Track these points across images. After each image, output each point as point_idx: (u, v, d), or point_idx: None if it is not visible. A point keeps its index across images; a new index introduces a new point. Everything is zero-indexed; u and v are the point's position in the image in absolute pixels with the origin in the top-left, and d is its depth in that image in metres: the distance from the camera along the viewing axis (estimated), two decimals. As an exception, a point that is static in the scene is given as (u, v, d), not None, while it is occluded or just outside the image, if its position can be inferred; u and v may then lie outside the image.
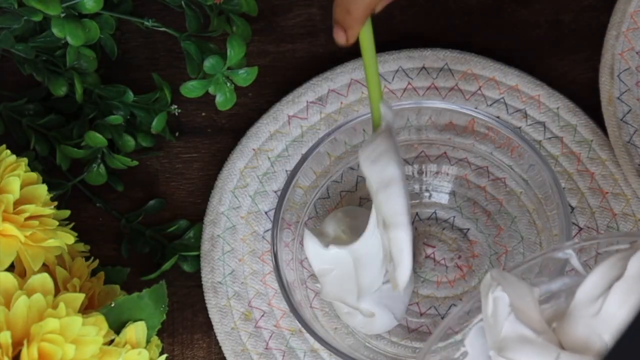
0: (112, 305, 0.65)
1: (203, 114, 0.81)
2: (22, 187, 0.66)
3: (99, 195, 0.78)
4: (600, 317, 0.58)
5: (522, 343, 0.57)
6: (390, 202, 0.66)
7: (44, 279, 0.63)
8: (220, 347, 0.74)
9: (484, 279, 0.58)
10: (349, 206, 0.76)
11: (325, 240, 0.72)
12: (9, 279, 0.63)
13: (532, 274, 0.65)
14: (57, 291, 0.65)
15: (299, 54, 0.82)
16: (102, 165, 0.77)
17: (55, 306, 0.62)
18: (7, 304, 0.62)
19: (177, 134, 0.80)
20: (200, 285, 0.76)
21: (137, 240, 0.77)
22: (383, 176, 0.67)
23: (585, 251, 0.75)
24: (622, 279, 0.57)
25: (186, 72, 0.77)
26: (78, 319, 0.62)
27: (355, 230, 0.72)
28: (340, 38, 0.67)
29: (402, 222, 0.66)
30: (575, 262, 0.61)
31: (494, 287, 0.57)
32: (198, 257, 0.76)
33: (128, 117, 0.78)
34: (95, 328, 0.62)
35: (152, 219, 0.78)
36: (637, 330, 0.44)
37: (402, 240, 0.66)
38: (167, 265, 0.75)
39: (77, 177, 0.78)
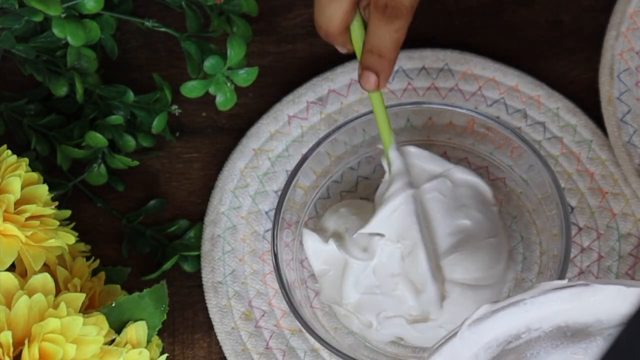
0: (113, 305, 0.65)
1: (203, 114, 0.81)
2: (22, 187, 0.66)
3: (99, 195, 0.78)
4: None
5: None
6: (415, 267, 0.70)
7: (45, 278, 0.64)
8: (220, 347, 0.74)
9: None
10: (351, 199, 0.76)
11: (325, 236, 0.72)
12: (10, 279, 0.63)
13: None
14: (58, 291, 0.65)
15: (299, 54, 0.82)
16: (102, 166, 0.77)
17: (56, 306, 0.62)
18: (8, 304, 0.62)
19: (177, 134, 0.81)
20: (200, 285, 0.76)
21: (138, 240, 0.77)
22: (404, 239, 0.70)
23: (586, 253, 0.75)
24: None
25: (186, 72, 0.77)
26: (79, 319, 0.62)
27: (356, 228, 0.72)
28: (372, 82, 0.67)
29: (429, 282, 0.70)
30: None
31: None
32: (198, 257, 0.76)
33: (128, 117, 0.78)
34: (96, 328, 0.62)
35: (153, 219, 0.78)
36: (636, 330, 0.44)
37: (432, 295, 0.70)
38: (167, 265, 0.75)
39: (77, 177, 0.78)
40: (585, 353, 0.61)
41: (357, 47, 0.68)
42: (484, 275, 0.71)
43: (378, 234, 0.71)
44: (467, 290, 0.70)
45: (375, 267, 0.71)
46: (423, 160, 0.73)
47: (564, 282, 0.59)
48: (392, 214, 0.70)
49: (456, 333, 0.59)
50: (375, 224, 0.70)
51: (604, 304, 0.59)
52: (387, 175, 0.71)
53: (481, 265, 0.71)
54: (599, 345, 0.61)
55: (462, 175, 0.74)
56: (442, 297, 0.70)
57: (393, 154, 0.71)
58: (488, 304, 0.59)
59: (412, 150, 0.73)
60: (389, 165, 0.71)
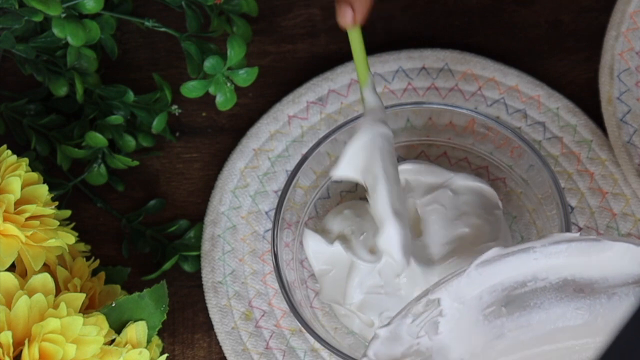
0: (113, 305, 0.65)
1: (203, 114, 0.81)
2: (23, 187, 0.66)
3: (99, 195, 0.78)
4: None
5: None
6: (376, 204, 0.67)
7: (45, 278, 0.64)
8: (220, 347, 0.74)
9: None
10: (353, 200, 0.76)
11: (330, 237, 0.72)
12: (10, 279, 0.63)
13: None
14: (58, 291, 0.65)
15: (299, 54, 0.82)
16: (102, 166, 0.77)
17: (56, 306, 0.62)
18: (8, 304, 0.62)
19: (177, 134, 0.81)
20: (200, 285, 0.76)
21: (138, 240, 0.77)
22: (367, 177, 0.68)
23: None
24: None
25: (186, 72, 0.77)
26: (79, 319, 0.62)
27: (362, 230, 0.72)
28: (348, 16, 0.65)
29: (388, 219, 0.67)
30: None
31: None
32: (198, 257, 0.76)
33: (128, 117, 0.78)
34: (96, 328, 0.62)
35: (153, 219, 0.78)
36: (634, 330, 0.44)
37: (391, 235, 0.67)
38: (167, 265, 0.75)
39: (77, 177, 0.78)
40: (589, 309, 0.62)
41: None
42: None
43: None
44: None
45: (381, 268, 0.71)
46: (421, 174, 0.72)
47: (576, 234, 0.60)
48: (358, 151, 0.67)
49: (464, 271, 0.59)
50: (343, 164, 0.68)
51: (612, 261, 0.60)
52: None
53: None
54: (603, 303, 0.61)
55: (464, 182, 0.74)
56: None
57: (367, 93, 0.68)
58: (498, 247, 0.60)
59: (408, 167, 0.73)
60: (364, 104, 0.69)
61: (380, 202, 0.67)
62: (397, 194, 0.68)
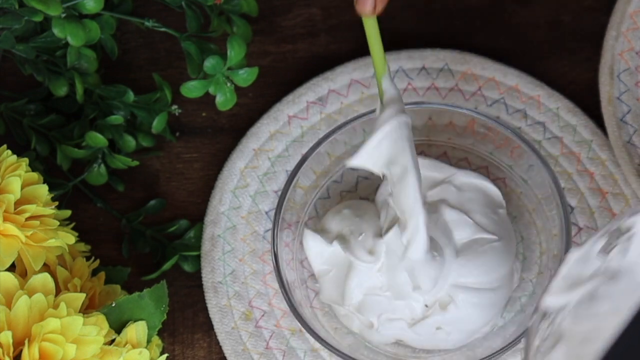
0: (113, 305, 0.66)
1: (203, 114, 0.81)
2: (22, 187, 0.66)
3: (99, 195, 0.79)
4: None
5: None
6: (403, 195, 0.67)
7: (45, 278, 0.64)
8: (220, 347, 0.74)
9: None
10: (352, 200, 0.76)
11: (329, 237, 0.72)
12: (10, 279, 0.63)
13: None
14: (58, 291, 0.65)
15: (299, 54, 0.82)
16: (102, 166, 0.77)
17: (56, 306, 0.62)
18: (8, 304, 0.62)
19: (177, 134, 0.81)
20: (200, 285, 0.76)
21: (138, 240, 0.77)
22: (393, 168, 0.67)
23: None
24: None
25: (186, 73, 0.77)
26: (79, 319, 0.62)
27: (360, 231, 0.72)
28: (368, 5, 0.63)
29: (418, 210, 0.66)
30: None
31: None
32: (198, 257, 0.76)
33: (128, 117, 0.78)
34: (96, 328, 0.62)
35: (153, 219, 0.78)
36: (636, 330, 0.44)
37: (418, 224, 0.67)
38: (167, 265, 0.75)
39: (77, 177, 0.78)
40: None
41: None
42: (488, 278, 0.71)
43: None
44: (471, 293, 0.70)
45: (380, 269, 0.71)
46: (423, 168, 0.72)
47: None
48: (382, 141, 0.65)
49: None
50: (364, 154, 0.66)
51: None
52: (378, 106, 0.67)
53: (484, 269, 0.71)
54: None
55: (467, 179, 0.74)
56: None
57: (386, 83, 0.66)
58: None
59: None
60: (381, 95, 0.67)
61: (411, 192, 0.66)
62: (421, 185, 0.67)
